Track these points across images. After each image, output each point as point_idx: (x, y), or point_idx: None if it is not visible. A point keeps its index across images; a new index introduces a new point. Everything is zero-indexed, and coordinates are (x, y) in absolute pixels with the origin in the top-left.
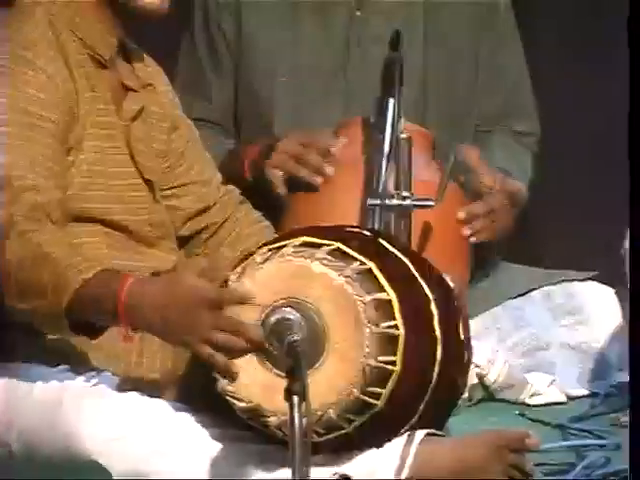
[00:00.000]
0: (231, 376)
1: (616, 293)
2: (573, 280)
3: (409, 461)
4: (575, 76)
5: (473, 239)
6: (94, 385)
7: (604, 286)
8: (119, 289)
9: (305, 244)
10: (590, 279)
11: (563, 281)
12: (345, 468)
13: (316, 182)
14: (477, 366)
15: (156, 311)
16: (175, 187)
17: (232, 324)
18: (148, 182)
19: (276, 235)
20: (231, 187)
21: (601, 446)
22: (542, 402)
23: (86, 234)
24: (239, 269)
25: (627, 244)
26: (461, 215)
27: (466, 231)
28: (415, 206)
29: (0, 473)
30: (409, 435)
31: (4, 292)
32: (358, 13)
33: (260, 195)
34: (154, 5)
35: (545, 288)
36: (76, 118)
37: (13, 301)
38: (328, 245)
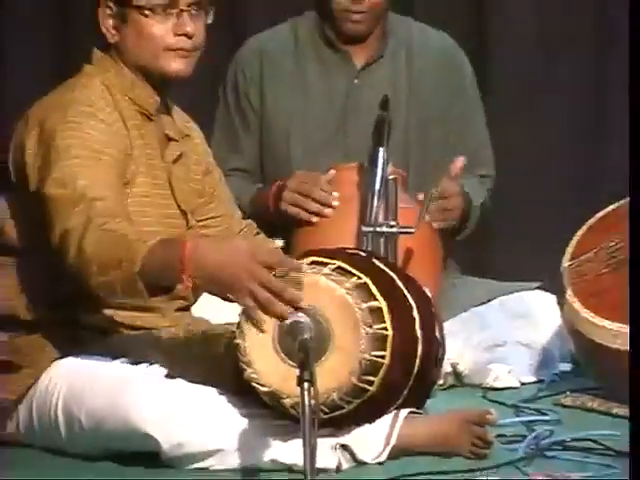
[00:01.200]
0: (260, 329)
1: (557, 301)
2: (523, 290)
3: (395, 433)
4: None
5: (436, 225)
6: (147, 374)
7: (548, 294)
8: (181, 247)
9: (314, 262)
10: (537, 288)
11: (515, 291)
12: (345, 439)
13: (325, 214)
14: (450, 359)
15: (216, 264)
16: (208, 219)
17: (278, 286)
18: (183, 211)
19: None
20: (249, 221)
21: (546, 421)
22: (500, 387)
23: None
24: None
25: (566, 263)
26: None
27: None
28: (400, 232)
29: (71, 442)
30: (395, 413)
31: (87, 275)
32: (356, 81)
33: (281, 221)
34: (179, 71)
35: (502, 297)
36: (130, 159)
37: (95, 278)
38: (332, 264)
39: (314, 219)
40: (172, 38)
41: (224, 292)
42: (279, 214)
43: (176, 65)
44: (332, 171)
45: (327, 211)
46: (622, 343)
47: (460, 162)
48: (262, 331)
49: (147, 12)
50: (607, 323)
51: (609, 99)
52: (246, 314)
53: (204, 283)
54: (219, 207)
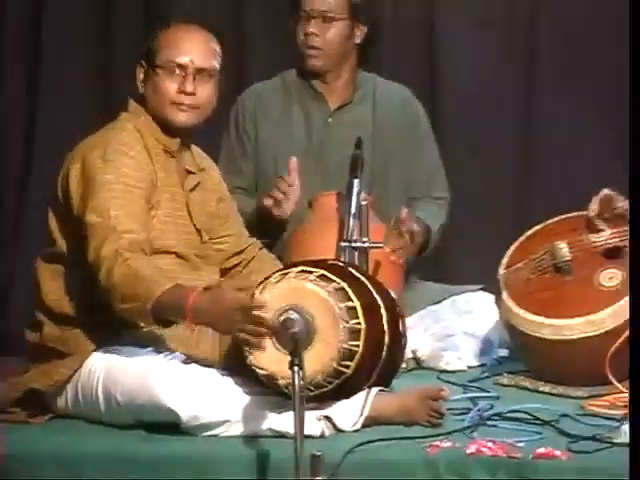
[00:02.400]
0: (261, 349)
1: (495, 300)
2: (469, 291)
3: (368, 406)
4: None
5: (394, 258)
6: (169, 360)
7: (488, 294)
8: (186, 298)
9: (302, 271)
10: (480, 290)
11: (463, 292)
12: (327, 412)
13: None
14: (411, 347)
15: (209, 312)
16: (221, 237)
17: (257, 319)
18: (198, 230)
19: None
20: (254, 239)
21: (487, 397)
22: (451, 370)
23: (162, 261)
24: (261, 286)
25: (502, 271)
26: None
27: (392, 257)
28: (370, 247)
29: (109, 414)
30: (368, 391)
31: (112, 298)
32: (330, 120)
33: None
34: (181, 122)
35: (452, 297)
36: (155, 188)
37: (118, 304)
38: (317, 272)
39: (270, 202)
40: (176, 94)
41: (223, 332)
42: (270, 220)
43: (179, 117)
44: (292, 161)
45: (279, 195)
46: (545, 333)
47: (404, 212)
48: (262, 349)
49: (161, 71)
50: (534, 317)
51: (535, 135)
52: (244, 346)
53: (203, 325)
54: (230, 228)
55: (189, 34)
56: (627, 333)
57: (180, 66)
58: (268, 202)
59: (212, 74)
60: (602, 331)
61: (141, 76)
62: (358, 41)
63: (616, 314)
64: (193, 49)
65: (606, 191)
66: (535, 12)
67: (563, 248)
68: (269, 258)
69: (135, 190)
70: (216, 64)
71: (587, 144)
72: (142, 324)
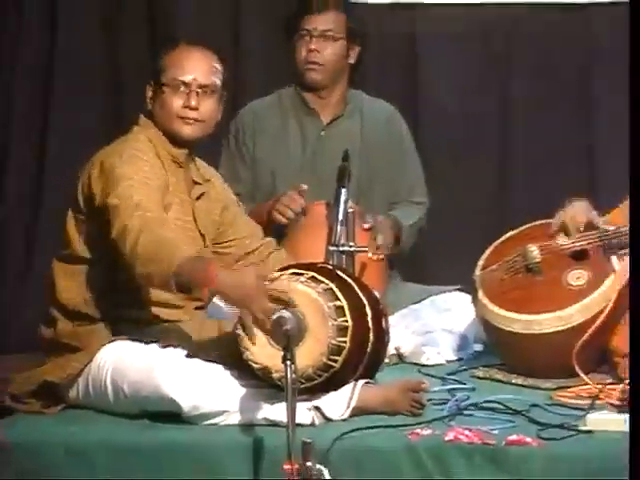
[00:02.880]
0: (252, 339)
1: (471, 299)
2: (447, 291)
3: (355, 398)
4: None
5: (376, 256)
6: (172, 355)
7: (465, 294)
8: (208, 268)
9: (294, 273)
10: (457, 290)
11: (442, 292)
12: (317, 402)
13: (289, 215)
14: (394, 343)
15: (234, 285)
16: (227, 241)
17: (271, 310)
18: (202, 234)
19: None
20: (269, 239)
21: (464, 389)
22: (430, 364)
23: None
24: None
25: (478, 273)
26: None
27: (373, 256)
28: (356, 251)
29: (117, 405)
30: (354, 383)
31: (136, 264)
32: (322, 133)
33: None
34: (187, 135)
35: (432, 297)
36: (168, 192)
37: (141, 269)
38: (307, 274)
39: (284, 219)
40: (181, 109)
41: (234, 305)
42: (270, 223)
43: (185, 130)
44: (303, 186)
45: (289, 213)
46: (517, 327)
47: (367, 225)
48: (253, 341)
49: (167, 88)
50: (507, 313)
51: (513, 154)
52: (242, 325)
53: (220, 296)
54: (236, 233)
55: (192, 54)
56: (593, 328)
57: (184, 83)
58: (281, 220)
59: (214, 90)
60: (569, 326)
61: (150, 94)
62: (352, 61)
63: (582, 311)
64: (196, 68)
65: (576, 202)
66: (514, 28)
67: (534, 251)
68: (282, 259)
69: (152, 184)
70: (217, 81)
71: (559, 155)
72: (159, 289)
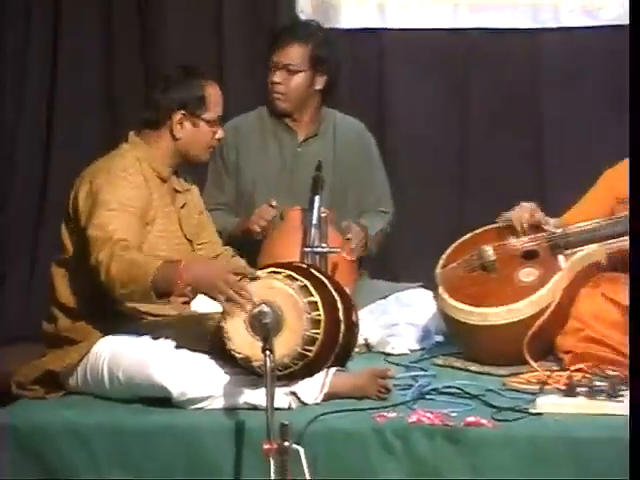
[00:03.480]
0: (230, 317)
1: (433, 295)
2: (411, 288)
3: (327, 384)
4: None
5: (350, 257)
6: (162, 346)
7: (427, 290)
8: (177, 266)
9: (272, 272)
10: (420, 287)
11: (406, 289)
12: (293, 388)
13: (262, 224)
14: (362, 335)
15: (199, 276)
16: (202, 244)
17: (238, 285)
18: (189, 240)
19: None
20: (228, 247)
21: (426, 375)
22: (396, 353)
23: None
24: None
25: (438, 270)
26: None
27: (347, 257)
28: (329, 252)
29: (112, 391)
30: (327, 371)
31: (113, 289)
32: (299, 150)
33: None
34: (202, 159)
35: (397, 293)
36: (151, 207)
37: (119, 291)
38: (284, 272)
39: (258, 228)
40: (213, 140)
41: (205, 291)
42: (250, 236)
43: (206, 156)
44: (273, 201)
45: (262, 222)
46: (474, 320)
47: (344, 224)
48: (232, 318)
49: (204, 123)
50: (464, 307)
51: (471, 166)
52: (223, 315)
53: (192, 287)
54: (207, 237)
55: (217, 91)
56: (540, 321)
57: (219, 118)
58: (256, 229)
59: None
60: (519, 319)
61: (182, 122)
62: (319, 87)
63: (532, 305)
64: (221, 104)
65: (524, 204)
66: (471, 50)
67: (489, 251)
68: (241, 264)
69: (131, 209)
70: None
71: (512, 165)
72: (145, 303)
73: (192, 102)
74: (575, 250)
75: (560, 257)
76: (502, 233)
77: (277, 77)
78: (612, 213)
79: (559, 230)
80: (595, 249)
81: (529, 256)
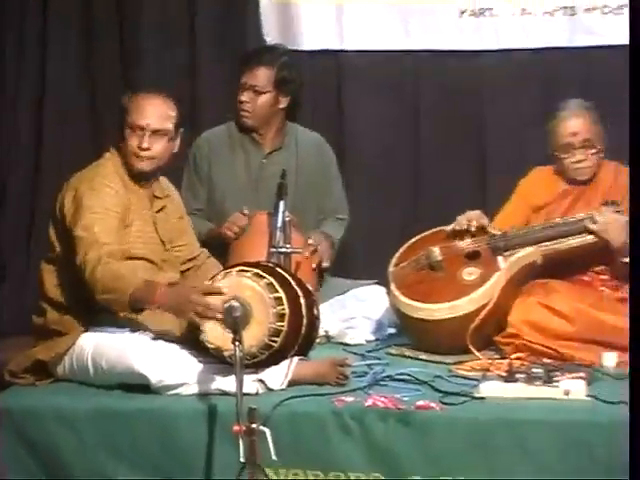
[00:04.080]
0: (210, 321)
1: (386, 291)
2: (366, 285)
3: (291, 371)
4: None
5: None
6: (141, 337)
7: (380, 287)
8: (154, 291)
9: (241, 270)
10: (375, 284)
11: (362, 286)
12: (260, 375)
13: (235, 230)
14: (323, 327)
15: (172, 300)
16: (179, 246)
17: (205, 303)
18: (163, 242)
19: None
20: (204, 249)
21: (380, 364)
22: (353, 343)
23: (135, 264)
24: (210, 282)
25: (391, 269)
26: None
27: (313, 263)
28: (292, 252)
29: (96, 378)
30: (291, 359)
31: (95, 290)
32: (264, 161)
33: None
34: (139, 169)
35: (354, 290)
36: (129, 211)
37: (99, 295)
38: (252, 271)
39: (231, 234)
40: (137, 149)
41: (174, 314)
42: (223, 240)
43: (138, 165)
44: (246, 210)
45: (235, 229)
46: (422, 314)
47: (310, 240)
48: (212, 321)
49: (129, 130)
50: (413, 303)
51: (421, 176)
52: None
53: (163, 309)
54: (186, 240)
55: (150, 101)
56: (481, 315)
57: (140, 127)
58: (230, 235)
59: (166, 133)
60: (462, 314)
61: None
62: (283, 106)
63: (473, 301)
64: (152, 114)
65: (469, 212)
66: (419, 77)
67: (436, 251)
68: (215, 264)
69: (112, 213)
70: (169, 125)
71: (458, 176)
72: (120, 311)
73: (123, 110)
74: (513, 252)
75: (499, 258)
76: (448, 235)
77: (245, 97)
78: (527, 222)
79: (499, 233)
80: (531, 251)
81: (472, 257)
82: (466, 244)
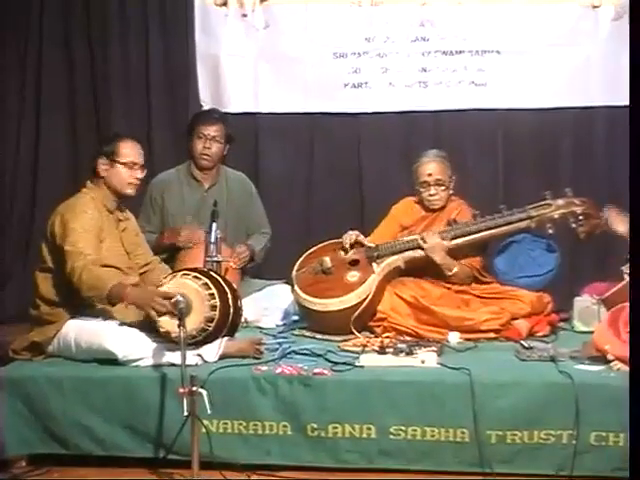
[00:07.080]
0: (165, 315)
1: (290, 289)
2: (277, 284)
3: (222, 347)
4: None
5: (235, 265)
6: (111, 324)
7: (288, 285)
8: (124, 289)
9: (184, 274)
10: (284, 283)
11: (273, 284)
12: (199, 351)
13: (190, 246)
14: (244, 316)
15: (137, 299)
16: (139, 254)
17: (161, 304)
18: (127, 252)
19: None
20: (156, 257)
21: (287, 341)
22: (266, 327)
23: (109, 270)
24: (163, 282)
25: (294, 273)
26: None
27: (234, 265)
28: (222, 261)
29: (78, 354)
30: (221, 339)
31: (81, 290)
32: (205, 194)
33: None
34: (127, 192)
35: (267, 287)
36: (102, 231)
37: (85, 293)
38: (192, 274)
39: (184, 245)
40: (131, 177)
41: (138, 308)
42: (171, 247)
43: (131, 191)
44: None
45: (195, 240)
46: (317, 307)
47: (237, 249)
48: (162, 326)
49: (122, 165)
50: (311, 298)
51: (314, 203)
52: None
53: (130, 304)
54: (141, 250)
55: (134, 144)
56: (361, 308)
57: (133, 163)
58: (188, 245)
59: (142, 165)
60: (347, 306)
61: (104, 167)
62: (225, 152)
63: (355, 297)
64: (137, 153)
65: (350, 231)
66: (313, 133)
67: (327, 260)
68: (164, 268)
69: (91, 232)
70: (142, 160)
71: (340, 202)
72: (99, 304)
73: (108, 152)
74: (383, 259)
75: (374, 264)
76: (336, 247)
77: (207, 144)
78: (396, 236)
79: (373, 246)
80: (396, 258)
81: (353, 263)
82: (349, 254)
